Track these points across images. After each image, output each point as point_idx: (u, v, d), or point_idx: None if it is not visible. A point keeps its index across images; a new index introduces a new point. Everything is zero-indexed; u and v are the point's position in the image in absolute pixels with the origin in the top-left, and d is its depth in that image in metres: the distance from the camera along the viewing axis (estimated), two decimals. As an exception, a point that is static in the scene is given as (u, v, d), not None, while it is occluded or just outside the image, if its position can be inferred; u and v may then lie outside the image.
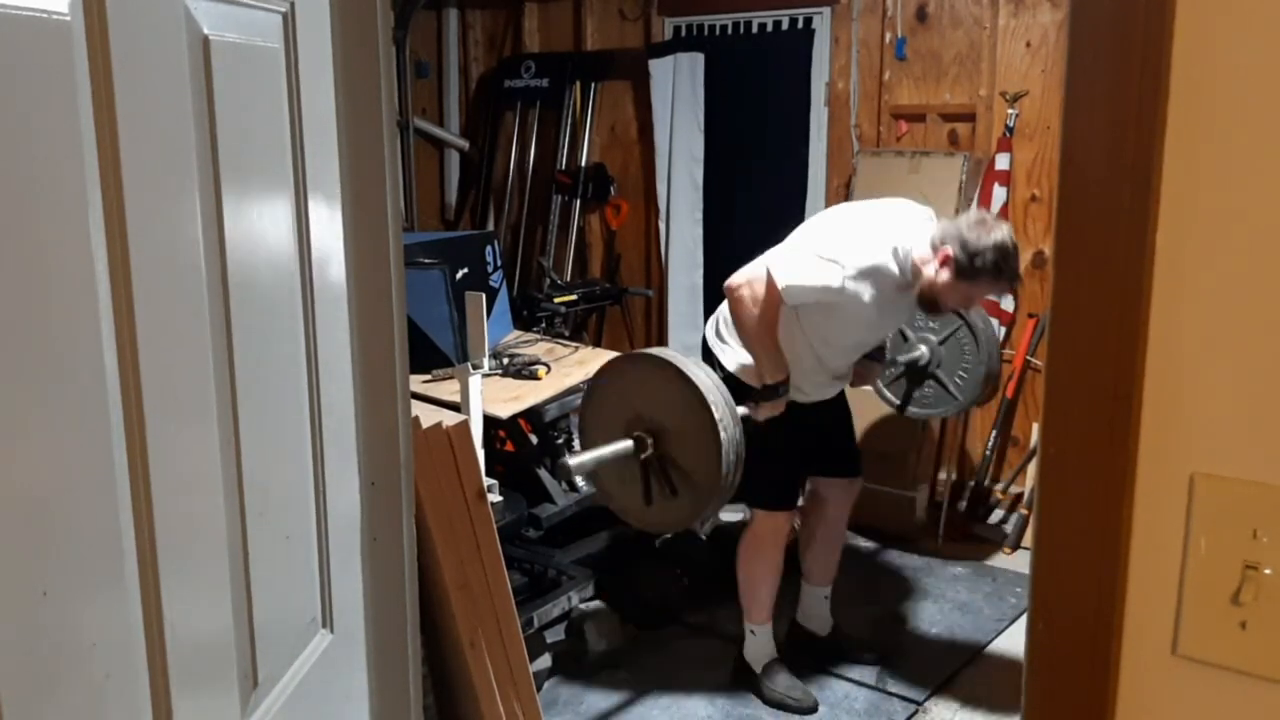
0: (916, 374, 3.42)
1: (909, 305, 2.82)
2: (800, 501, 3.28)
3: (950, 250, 2.66)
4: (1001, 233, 2.67)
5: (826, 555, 3.31)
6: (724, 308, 3.00)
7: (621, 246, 5.47)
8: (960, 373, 3.35)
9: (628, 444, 2.49)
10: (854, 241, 2.74)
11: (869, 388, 3.39)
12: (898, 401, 3.49)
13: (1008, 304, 4.24)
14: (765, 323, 2.77)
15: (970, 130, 4.33)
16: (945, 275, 2.67)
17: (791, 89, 4.78)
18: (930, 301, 2.75)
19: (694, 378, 2.43)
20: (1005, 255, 2.64)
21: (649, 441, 2.49)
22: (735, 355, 2.95)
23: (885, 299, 2.74)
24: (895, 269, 2.72)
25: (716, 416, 2.38)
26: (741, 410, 2.66)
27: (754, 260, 2.85)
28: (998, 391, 3.51)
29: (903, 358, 3.35)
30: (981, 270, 2.64)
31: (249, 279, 1.08)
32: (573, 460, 2.45)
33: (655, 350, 2.58)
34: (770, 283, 2.74)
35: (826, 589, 3.35)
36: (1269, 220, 0.75)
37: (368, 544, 1.45)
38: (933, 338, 3.38)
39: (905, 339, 3.40)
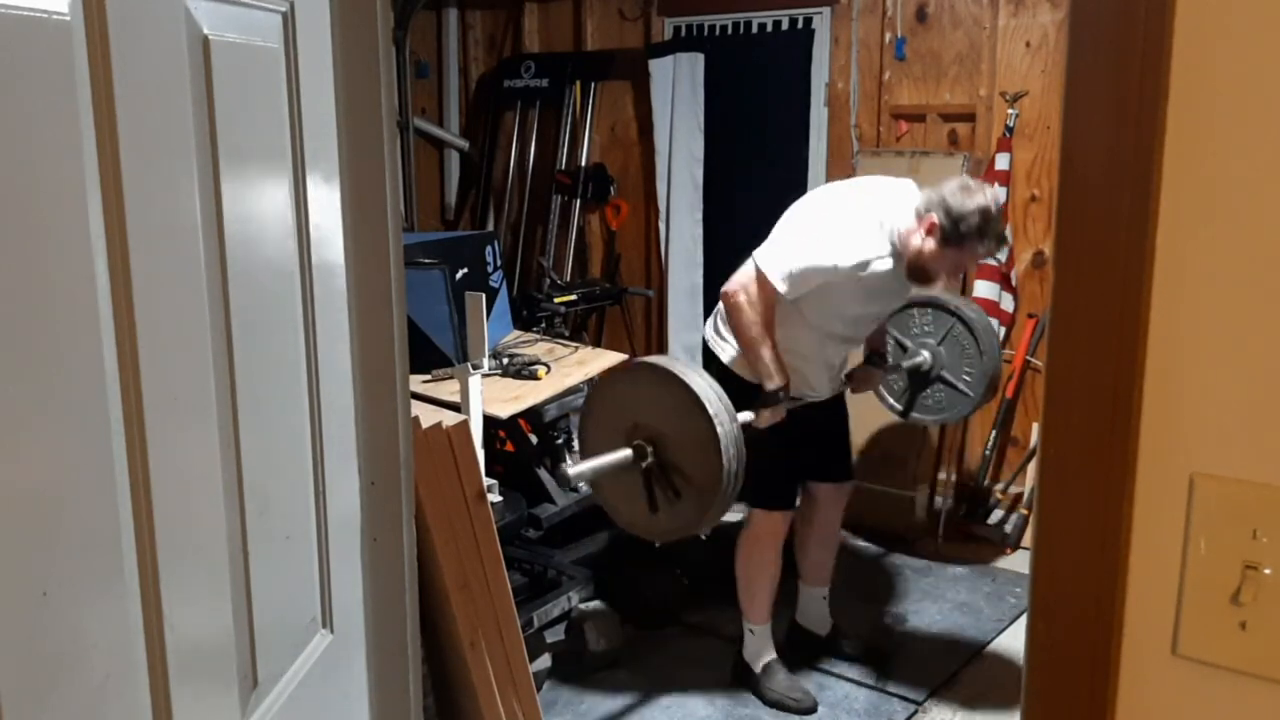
0: (921, 379, 3.42)
1: (901, 277, 2.82)
2: (797, 502, 3.28)
3: (935, 218, 2.67)
4: (985, 196, 2.67)
5: (821, 556, 3.32)
6: (722, 305, 3.00)
7: (621, 246, 5.47)
8: (965, 371, 3.35)
9: (627, 453, 2.49)
10: (840, 220, 2.75)
11: (873, 394, 3.39)
12: (901, 408, 3.51)
13: (1007, 304, 4.24)
14: (764, 324, 2.77)
15: (970, 130, 4.33)
16: (931, 243, 2.69)
17: (791, 89, 4.78)
18: (920, 271, 2.75)
19: (688, 380, 2.44)
20: (988, 218, 2.65)
21: (649, 449, 2.49)
22: (732, 349, 2.95)
23: (879, 273, 2.75)
24: (885, 241, 2.74)
25: (712, 413, 2.39)
26: (744, 417, 2.67)
27: (745, 263, 2.86)
28: (999, 390, 3.49)
29: (906, 364, 3.36)
30: (967, 235, 2.65)
31: (249, 279, 1.08)
32: (572, 469, 2.45)
33: (649, 358, 2.59)
34: (763, 282, 2.75)
35: (824, 589, 3.35)
36: (1269, 220, 0.75)
37: (368, 544, 1.45)
38: (931, 341, 3.38)
39: (904, 348, 3.41)
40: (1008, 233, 2.69)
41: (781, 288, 2.75)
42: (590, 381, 3.41)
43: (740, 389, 2.82)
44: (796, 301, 2.82)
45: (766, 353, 2.80)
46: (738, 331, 2.84)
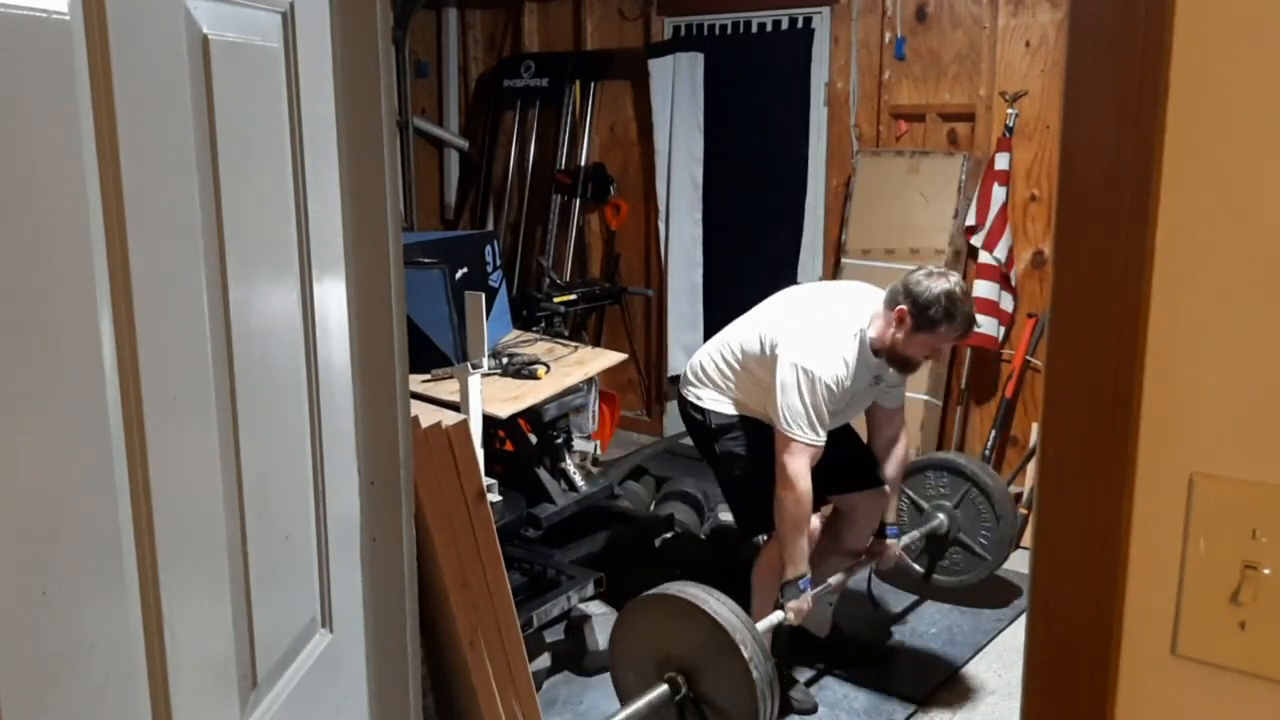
0: (938, 542, 3.51)
1: (885, 368, 2.91)
2: (816, 523, 3.28)
3: (904, 307, 2.77)
4: (949, 281, 2.78)
5: (837, 564, 3.30)
6: (709, 347, 3.10)
7: (621, 246, 5.47)
8: (982, 534, 3.44)
9: (663, 689, 2.50)
10: (824, 342, 2.82)
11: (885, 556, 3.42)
12: (922, 571, 3.58)
13: (1007, 304, 4.24)
14: (805, 512, 2.84)
15: (970, 130, 4.33)
16: (903, 332, 2.79)
17: (791, 89, 4.79)
18: (901, 360, 2.86)
19: (718, 617, 2.44)
20: (954, 300, 2.74)
21: (682, 681, 2.50)
22: (713, 397, 3.05)
23: (860, 377, 2.86)
24: (868, 351, 2.85)
25: (746, 656, 2.39)
26: (774, 619, 2.77)
27: (776, 424, 2.87)
28: (1015, 547, 3.60)
29: (922, 529, 3.43)
30: (936, 319, 2.74)
31: (249, 279, 1.08)
32: None
33: (675, 588, 2.58)
34: (784, 442, 2.80)
35: (833, 595, 3.35)
36: (1269, 220, 0.75)
37: (367, 544, 1.45)
38: (947, 504, 3.47)
39: (921, 510, 3.46)
40: (972, 309, 2.82)
41: (819, 438, 2.80)
42: (588, 378, 3.40)
43: (721, 425, 2.99)
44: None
45: (802, 542, 2.86)
46: (779, 517, 2.87)
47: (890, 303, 2.82)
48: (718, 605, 2.47)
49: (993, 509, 3.39)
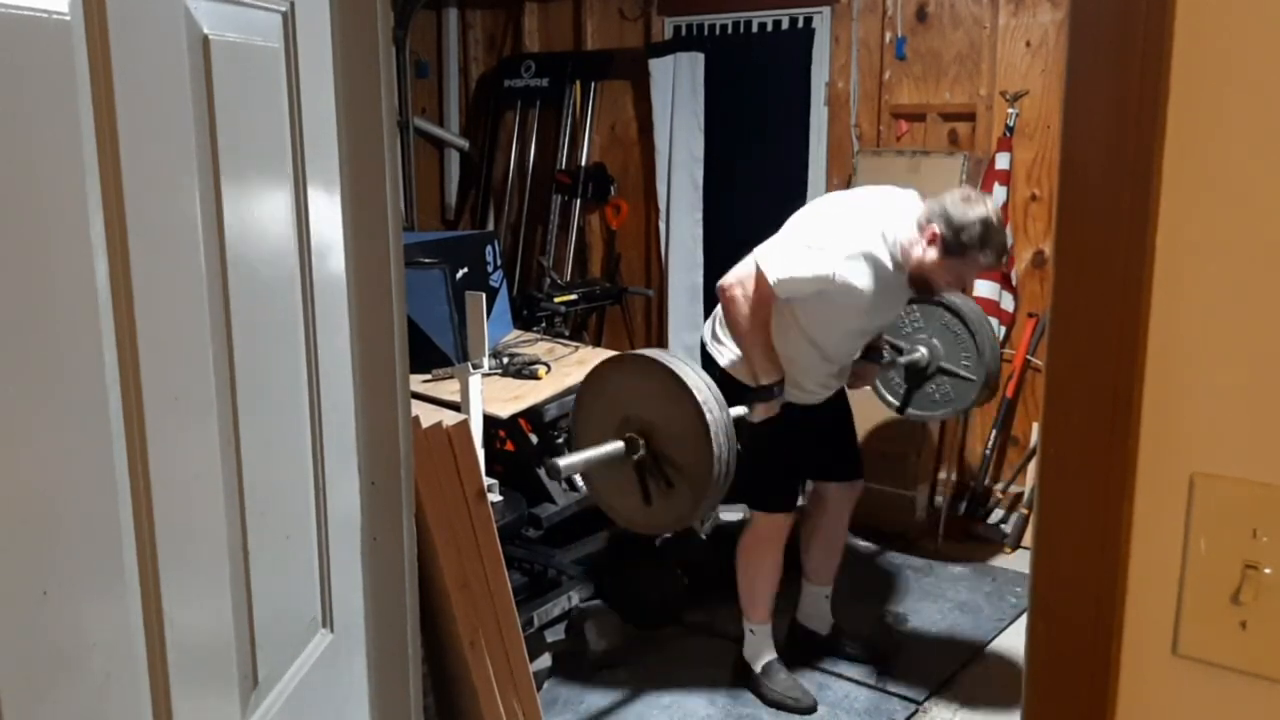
0: (920, 375, 3.40)
1: (903, 289, 2.81)
2: (801, 502, 3.27)
3: (937, 228, 2.67)
4: (986, 207, 2.68)
5: (827, 556, 3.32)
6: (720, 307, 3.00)
7: (621, 246, 5.47)
8: (964, 358, 3.34)
9: (618, 445, 2.49)
10: (842, 229, 2.74)
11: (869, 389, 3.38)
12: (899, 404, 3.49)
13: (1008, 304, 4.24)
14: (757, 320, 2.77)
15: (970, 130, 4.33)
16: (933, 254, 2.69)
17: (791, 89, 4.78)
18: (922, 282, 2.75)
19: (675, 369, 2.43)
20: (990, 228, 2.65)
21: (640, 441, 2.49)
22: (730, 353, 2.94)
23: (879, 284, 2.74)
24: (886, 253, 2.73)
25: (700, 400, 2.38)
26: (738, 411, 2.66)
27: (744, 259, 2.85)
28: (1000, 369, 3.48)
29: (904, 360, 3.34)
30: (969, 245, 2.65)
31: (249, 278, 1.08)
32: (563, 461, 2.44)
33: (638, 351, 2.59)
34: (761, 278, 2.74)
35: (827, 589, 3.36)
36: (1269, 220, 0.75)
37: (368, 544, 1.45)
38: (924, 335, 3.37)
39: (899, 349, 3.40)
40: (1009, 238, 2.67)
41: (778, 286, 2.73)
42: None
43: (739, 392, 2.82)
44: (795, 313, 2.82)
45: (760, 348, 2.79)
46: (732, 325, 2.84)
47: (925, 220, 2.71)
48: (676, 362, 2.46)
49: (967, 329, 3.28)
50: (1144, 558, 0.83)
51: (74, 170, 0.78)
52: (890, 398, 3.49)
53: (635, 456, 2.49)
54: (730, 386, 2.77)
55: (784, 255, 2.75)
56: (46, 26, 0.74)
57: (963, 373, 3.35)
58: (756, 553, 3.11)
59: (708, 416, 2.37)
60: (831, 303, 2.76)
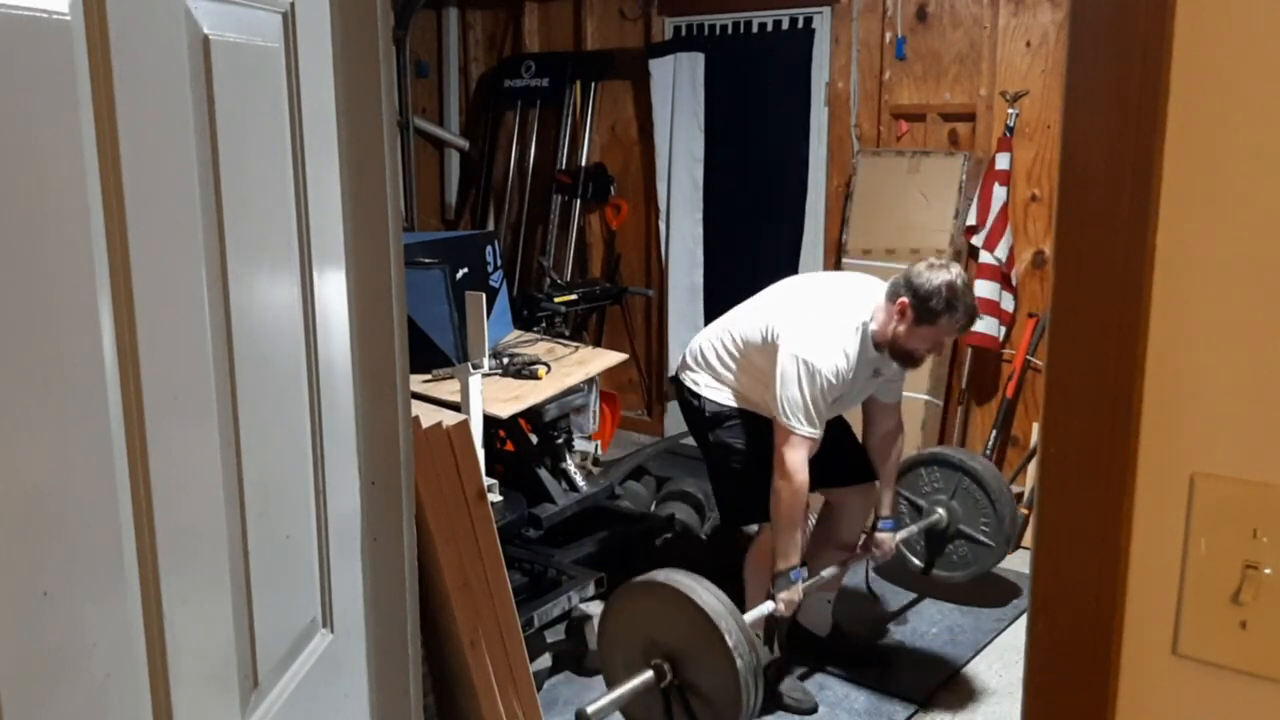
0: (939, 537, 3.49)
1: (885, 361, 2.90)
2: (810, 519, 3.27)
3: (905, 299, 2.76)
4: (949, 272, 2.77)
5: (835, 561, 3.30)
6: (710, 332, 3.09)
7: (621, 246, 5.48)
8: (982, 523, 3.43)
9: (647, 675, 2.49)
10: (826, 334, 2.81)
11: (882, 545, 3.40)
12: (921, 565, 3.57)
13: (1008, 303, 4.24)
14: (802, 506, 2.84)
15: (970, 130, 4.33)
16: (905, 325, 2.78)
17: (791, 89, 4.78)
18: (903, 354, 2.84)
19: (704, 604, 2.44)
20: (955, 291, 2.73)
21: (667, 668, 2.50)
22: (710, 384, 3.03)
23: (861, 371, 2.86)
24: (870, 344, 2.84)
25: (730, 644, 2.38)
26: (765, 609, 2.78)
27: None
28: (1021, 536, 3.58)
29: (922, 524, 3.42)
30: (938, 311, 2.73)
31: (249, 278, 1.08)
32: (592, 707, 2.42)
33: (663, 575, 2.58)
34: (784, 435, 2.79)
35: (830, 594, 3.35)
36: (1269, 220, 0.75)
37: (368, 544, 1.45)
38: (943, 497, 3.46)
39: (919, 508, 3.47)
40: (973, 300, 2.83)
41: (817, 431, 2.80)
42: (588, 380, 3.40)
43: (716, 414, 2.98)
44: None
45: (796, 534, 2.85)
46: (774, 509, 2.86)
47: (892, 295, 2.81)
48: (704, 593, 2.47)
49: (987, 496, 3.37)
50: (1144, 558, 0.83)
51: (74, 170, 0.78)
52: (913, 559, 3.57)
53: (662, 685, 2.50)
54: (708, 414, 2.98)
55: (799, 401, 2.78)
56: (46, 26, 0.74)
57: (981, 538, 3.44)
58: (764, 565, 3.10)
59: (739, 663, 2.37)
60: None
